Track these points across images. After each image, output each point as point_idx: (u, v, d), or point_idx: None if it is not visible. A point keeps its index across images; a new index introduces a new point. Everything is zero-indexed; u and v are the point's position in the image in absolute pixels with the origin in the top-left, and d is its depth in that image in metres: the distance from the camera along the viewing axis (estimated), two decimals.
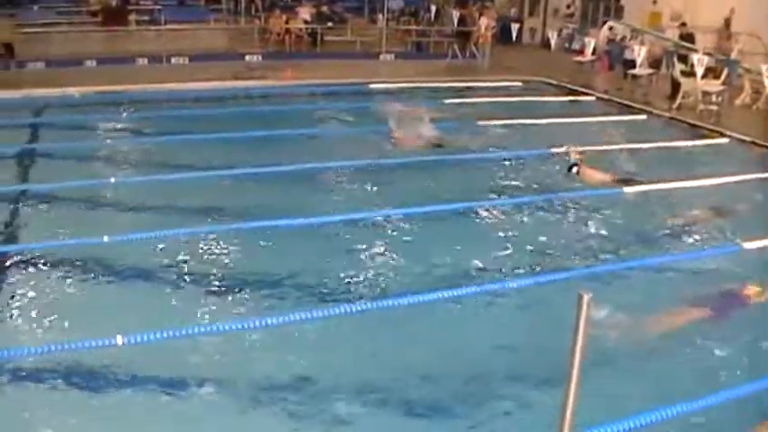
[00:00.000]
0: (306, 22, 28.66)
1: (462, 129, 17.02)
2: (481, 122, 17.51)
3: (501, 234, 10.78)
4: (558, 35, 27.84)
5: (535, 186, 12.84)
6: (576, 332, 3.99)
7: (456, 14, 28.57)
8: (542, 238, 10.52)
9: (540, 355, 7.54)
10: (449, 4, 31.50)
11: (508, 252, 10.19)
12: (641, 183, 12.89)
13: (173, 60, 25.14)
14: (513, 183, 13.09)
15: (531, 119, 17.91)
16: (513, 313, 8.76)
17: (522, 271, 9.66)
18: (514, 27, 29.41)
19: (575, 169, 12.76)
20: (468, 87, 22.14)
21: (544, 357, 7.44)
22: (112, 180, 12.93)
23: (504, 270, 9.71)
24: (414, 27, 30.01)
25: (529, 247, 10.33)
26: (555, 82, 22.79)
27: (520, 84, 22.69)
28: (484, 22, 25.89)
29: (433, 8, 30.85)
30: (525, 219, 11.35)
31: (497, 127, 17.19)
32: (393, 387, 7.18)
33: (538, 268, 9.75)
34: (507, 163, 14.30)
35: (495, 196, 12.31)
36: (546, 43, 29.10)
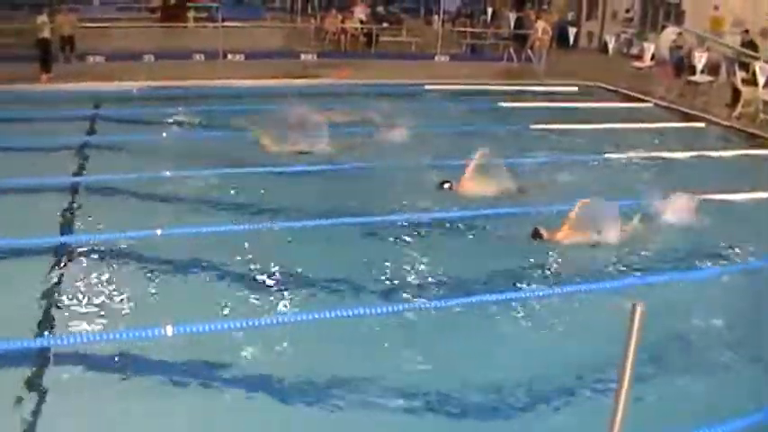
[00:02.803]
0: (361, 22, 28.74)
1: (516, 133, 16.92)
2: (535, 127, 17.38)
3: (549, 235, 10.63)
4: (617, 40, 27.58)
5: (590, 192, 12.62)
6: (628, 342, 3.95)
7: (513, 17, 28.44)
8: (596, 243, 10.35)
9: (591, 363, 7.45)
10: (505, 7, 31.38)
11: (557, 257, 10.06)
12: (527, 192, 12.51)
13: (229, 57, 25.37)
14: (566, 188, 12.91)
15: (587, 124, 17.72)
16: (565, 319, 8.64)
17: (576, 278, 9.52)
18: (572, 31, 29.26)
19: (446, 185, 12.41)
20: (522, 91, 21.98)
21: (595, 366, 7.38)
22: (167, 174, 13.05)
23: (553, 276, 9.60)
24: (469, 29, 29.92)
25: (583, 253, 10.17)
26: (612, 87, 22.52)
27: (576, 88, 22.47)
28: (541, 25, 25.69)
29: (490, 10, 30.75)
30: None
31: (551, 132, 17.03)
32: (442, 390, 7.13)
33: (592, 275, 9.60)
34: (560, 168, 14.14)
35: (548, 201, 12.15)
36: (604, 48, 28.87)
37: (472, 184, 12.31)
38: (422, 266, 9.77)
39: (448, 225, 11.25)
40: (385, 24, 29.44)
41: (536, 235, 10.34)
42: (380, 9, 30.51)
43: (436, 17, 29.26)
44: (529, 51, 26.16)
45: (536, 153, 15.12)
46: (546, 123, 17.56)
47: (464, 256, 10.21)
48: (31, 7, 26.76)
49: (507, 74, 24.90)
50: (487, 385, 7.20)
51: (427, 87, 21.87)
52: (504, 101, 20.38)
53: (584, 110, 19.75)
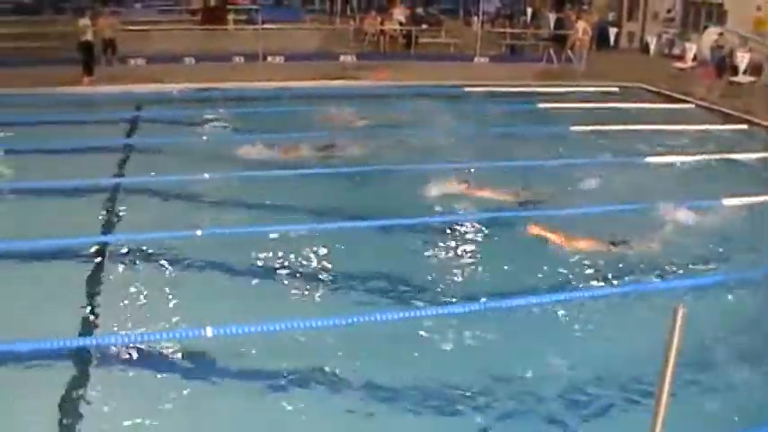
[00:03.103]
0: (400, 23, 28.72)
1: (556, 135, 16.81)
2: (575, 128, 17.25)
3: (592, 240, 10.50)
4: (658, 40, 27.28)
5: (630, 194, 12.48)
6: (670, 345, 3.91)
7: (553, 17, 28.25)
8: (637, 247, 10.21)
9: (631, 366, 7.37)
10: (545, 7, 31.17)
11: (599, 259, 9.95)
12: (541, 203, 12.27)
13: (268, 59, 25.48)
14: (607, 190, 12.80)
15: (627, 125, 17.54)
16: (605, 322, 8.55)
17: (618, 279, 9.42)
18: (612, 31, 28.99)
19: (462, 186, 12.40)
20: (562, 92, 21.81)
21: (635, 369, 7.30)
22: (206, 176, 13.13)
23: (596, 277, 9.50)
24: (509, 30, 29.78)
25: (624, 255, 10.04)
26: (653, 88, 22.26)
27: (616, 89, 22.24)
28: (581, 25, 25.47)
29: (529, 11, 30.57)
30: (617, 225, 10.98)
31: (591, 133, 16.89)
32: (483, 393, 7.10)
33: (633, 277, 9.50)
34: (599, 170, 14.01)
35: (587, 202, 12.04)
36: (645, 48, 28.58)
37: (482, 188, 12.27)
38: (461, 269, 9.72)
39: (478, 227, 11.18)
40: (424, 26, 29.37)
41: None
42: (419, 10, 30.45)
43: (475, 18, 29.14)
44: (569, 52, 25.93)
45: (576, 155, 14.98)
46: (586, 125, 17.41)
47: (497, 259, 10.12)
48: (73, 11, 27.12)
49: (547, 75, 24.74)
50: (525, 387, 7.15)
51: (466, 89, 21.78)
52: (544, 102, 20.25)
53: (625, 111, 19.53)
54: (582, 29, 25.34)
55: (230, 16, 30.59)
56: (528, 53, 28.64)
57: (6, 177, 13.47)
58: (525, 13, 31.12)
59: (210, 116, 17.86)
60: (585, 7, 29.30)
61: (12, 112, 17.90)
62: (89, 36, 22.01)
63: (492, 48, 28.13)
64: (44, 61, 23.55)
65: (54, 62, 23.23)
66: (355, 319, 8.14)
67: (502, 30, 29.85)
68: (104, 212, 11.61)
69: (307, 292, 9.02)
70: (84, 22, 22.03)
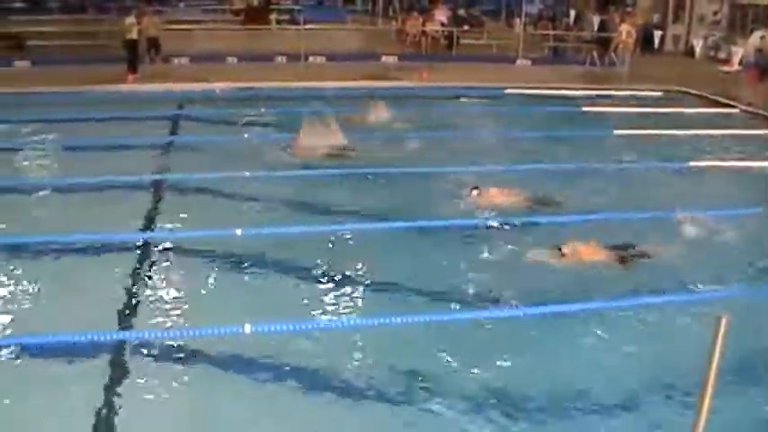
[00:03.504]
0: (442, 24, 28.68)
1: (598, 138, 16.68)
2: (618, 132, 17.10)
3: (634, 246, 10.35)
4: (704, 43, 26.93)
5: (671, 201, 12.31)
6: (712, 354, 3.89)
7: (596, 19, 28.02)
8: (682, 256, 10.06)
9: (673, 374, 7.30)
10: (589, 9, 30.92)
11: (640, 267, 9.81)
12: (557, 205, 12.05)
13: (310, 59, 25.58)
14: (650, 195, 12.66)
15: (670, 130, 17.34)
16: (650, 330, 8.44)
17: (663, 287, 9.29)
18: (657, 34, 28.67)
19: (474, 192, 12.02)
20: (605, 95, 21.62)
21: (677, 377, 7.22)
22: (247, 174, 13.20)
23: (642, 285, 9.38)
24: (551, 32, 29.60)
25: (668, 264, 9.90)
26: (697, 92, 21.97)
27: (660, 93, 21.98)
28: (625, 28, 25.21)
29: (573, 12, 30.36)
30: (662, 233, 10.82)
31: (634, 137, 16.72)
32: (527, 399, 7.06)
33: (678, 286, 9.38)
34: (642, 175, 13.87)
35: (630, 208, 11.88)
36: (690, 52, 28.24)
37: (498, 192, 12.08)
38: (500, 273, 9.65)
39: (516, 230, 11.09)
40: (466, 27, 29.30)
41: (558, 251, 9.86)
42: (461, 11, 30.37)
43: (518, 19, 29.01)
44: (612, 55, 25.71)
45: (619, 159, 14.84)
46: (629, 129, 17.24)
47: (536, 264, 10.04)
48: (118, 10, 27.46)
49: (590, 78, 24.53)
50: (560, 395, 7.08)
51: (508, 91, 21.69)
52: (587, 105, 20.10)
53: (668, 115, 19.33)
54: (626, 31, 25.08)
55: (273, 16, 30.77)
56: (571, 55, 28.47)
57: (52, 173, 13.65)
58: (568, 15, 30.94)
59: (252, 115, 17.94)
60: (630, 9, 28.97)
61: (58, 109, 18.19)
62: (134, 34, 22.27)
63: (534, 50, 27.98)
64: (89, 59, 23.85)
65: (99, 60, 23.54)
66: (394, 320, 8.16)
67: (544, 31, 29.68)
68: (146, 209, 11.72)
69: (346, 293, 9.02)
70: (130, 20, 22.30)
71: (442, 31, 28.45)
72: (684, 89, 22.30)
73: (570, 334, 8.18)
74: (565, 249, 9.76)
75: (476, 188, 12.01)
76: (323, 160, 14.15)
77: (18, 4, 32.23)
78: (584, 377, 7.35)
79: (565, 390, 7.13)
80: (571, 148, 15.49)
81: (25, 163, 14.28)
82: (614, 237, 10.30)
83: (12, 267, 9.52)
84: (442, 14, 29.03)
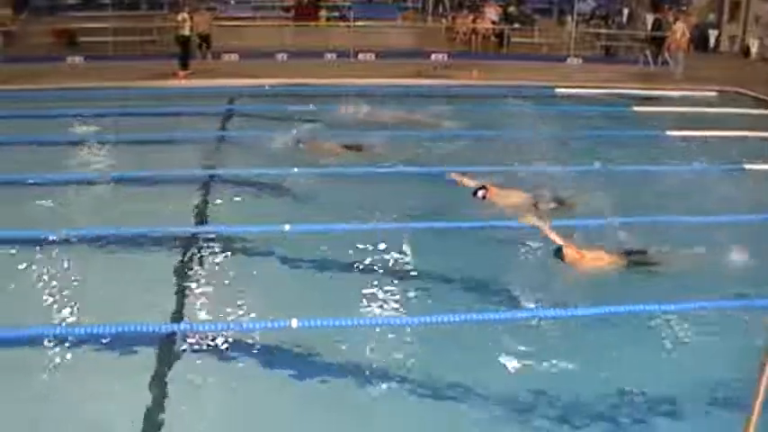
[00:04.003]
0: (493, 22, 28.49)
1: (651, 140, 16.41)
2: (671, 133, 16.82)
3: (686, 252, 10.11)
4: (759, 43, 26.41)
5: (726, 205, 12.03)
6: (766, 358, 3.78)
7: (650, 18, 27.59)
8: (733, 260, 9.81)
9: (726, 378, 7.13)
10: (642, 8, 30.46)
11: (696, 272, 9.56)
12: (571, 205, 11.73)
13: (360, 56, 25.58)
14: (702, 199, 12.39)
15: (725, 131, 16.99)
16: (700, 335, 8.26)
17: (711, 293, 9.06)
18: (712, 34, 28.19)
19: (480, 193, 11.64)
20: (658, 96, 21.30)
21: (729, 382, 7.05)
22: (295, 170, 13.20)
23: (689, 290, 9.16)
24: (604, 30, 29.24)
25: (716, 269, 9.64)
26: (752, 93, 21.53)
27: (714, 94, 21.57)
28: (679, 27, 24.76)
29: (626, 11, 29.94)
30: (711, 237, 10.53)
31: (687, 139, 16.42)
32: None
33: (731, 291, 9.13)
34: (694, 177, 13.59)
35: (682, 211, 11.63)
36: (746, 52, 27.69)
37: (505, 193, 11.79)
38: (550, 275, 9.50)
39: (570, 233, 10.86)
40: (516, 25, 29.07)
41: (558, 255, 9.57)
42: (512, 9, 30.12)
43: (569, 18, 28.70)
44: (666, 54, 25.30)
45: (671, 161, 14.57)
46: (682, 130, 16.94)
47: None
48: (170, 6, 27.71)
49: (643, 77, 24.17)
50: (606, 398, 6.95)
51: (558, 90, 21.47)
52: (639, 105, 19.81)
53: (722, 116, 18.95)
54: (680, 30, 24.65)
55: (323, 13, 30.77)
56: (623, 55, 28.09)
57: (104, 168, 13.80)
58: (621, 14, 30.50)
59: (301, 112, 17.96)
60: (685, 8, 28.49)
61: (110, 105, 18.40)
62: (186, 31, 22.44)
63: (586, 48, 27.68)
64: (141, 56, 24.14)
65: (150, 56, 23.80)
66: (439, 319, 8.11)
67: (596, 30, 29.33)
68: (196, 203, 11.81)
69: (392, 290, 8.96)
70: (183, 16, 22.47)
71: (493, 30, 28.25)
72: (739, 90, 21.87)
73: (616, 335, 8.05)
74: (567, 252, 9.51)
75: (482, 188, 11.75)
76: (336, 157, 14.13)
77: (71, 1, 32.64)
78: (633, 379, 7.21)
79: (609, 392, 7.02)
80: (621, 150, 15.24)
81: (78, 157, 14.46)
82: (671, 239, 10.07)
83: (65, 259, 9.64)
84: (492, 12, 28.82)
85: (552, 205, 11.57)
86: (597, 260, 9.51)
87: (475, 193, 11.62)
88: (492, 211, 11.34)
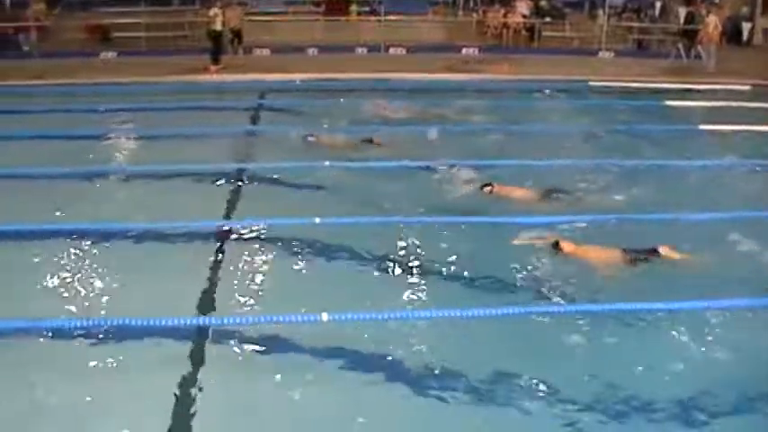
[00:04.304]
0: (524, 16, 28.39)
1: (682, 134, 16.28)
2: (704, 127, 16.67)
3: (723, 248, 9.96)
4: None
5: (758, 201, 11.87)
6: None
7: (683, 12, 27.35)
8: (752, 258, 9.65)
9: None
10: (675, 1, 30.17)
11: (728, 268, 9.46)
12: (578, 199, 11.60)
13: (390, 51, 25.58)
14: (733, 194, 12.27)
15: (758, 125, 16.79)
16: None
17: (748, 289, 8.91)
18: (745, 26, 27.87)
19: (487, 188, 11.60)
20: (691, 89, 21.11)
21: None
22: (327, 164, 13.24)
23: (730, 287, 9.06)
24: (636, 24, 29.02)
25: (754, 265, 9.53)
26: None
27: (748, 88, 21.35)
28: (712, 19, 24.52)
29: (658, 4, 29.67)
30: (741, 235, 10.40)
31: (720, 133, 16.27)
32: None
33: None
34: (727, 172, 13.46)
35: (713, 206, 11.49)
36: None
37: (511, 188, 11.74)
38: (585, 270, 9.43)
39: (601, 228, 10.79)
40: (548, 19, 28.93)
41: (556, 247, 9.47)
42: (543, 3, 29.96)
43: (601, 11, 28.51)
44: (699, 48, 25.06)
45: (703, 156, 14.42)
46: (715, 124, 16.79)
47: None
48: (201, 1, 27.89)
49: (675, 71, 23.96)
50: (634, 398, 6.88)
51: (590, 84, 21.36)
52: (671, 99, 19.65)
53: (755, 111, 18.73)
54: (712, 23, 24.41)
55: (353, 7, 30.80)
56: (655, 48, 27.86)
57: (137, 161, 13.93)
58: (654, 7, 30.22)
59: (332, 106, 18.01)
60: (717, 1, 28.18)
61: (142, 99, 18.57)
62: (218, 26, 22.58)
63: (618, 42, 27.49)
64: (173, 50, 24.32)
65: (182, 51, 23.97)
66: (469, 313, 8.09)
67: (628, 24, 29.11)
68: (227, 197, 11.87)
69: (423, 283, 8.96)
70: (215, 11, 22.61)
71: (524, 23, 28.16)
72: None
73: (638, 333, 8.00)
74: (564, 245, 9.45)
75: (488, 185, 11.70)
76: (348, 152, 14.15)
77: None
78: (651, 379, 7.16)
79: (631, 391, 6.96)
80: (652, 144, 15.14)
81: (110, 151, 14.62)
82: (702, 236, 9.96)
83: (97, 252, 9.75)
84: (523, 6, 28.72)
85: (560, 199, 11.54)
86: (595, 254, 9.41)
87: (482, 188, 11.65)
88: (500, 205, 11.31)
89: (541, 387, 6.92)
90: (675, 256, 9.30)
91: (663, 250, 9.30)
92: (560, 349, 7.56)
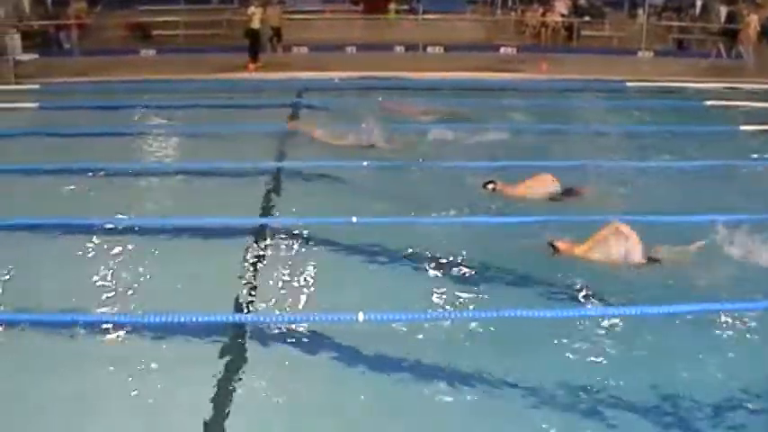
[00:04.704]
0: (562, 15, 28.23)
1: (723, 135, 16.08)
2: (744, 128, 16.46)
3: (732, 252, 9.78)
4: None
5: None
6: None
7: (724, 10, 27.03)
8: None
9: None
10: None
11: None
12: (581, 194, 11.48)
13: (428, 50, 25.56)
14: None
15: None
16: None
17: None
18: None
19: (490, 186, 11.45)
20: (732, 89, 20.84)
21: None
22: (365, 163, 13.25)
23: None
24: (676, 23, 28.73)
25: None
26: None
27: None
28: (753, 19, 24.23)
29: (699, 3, 29.37)
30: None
31: (762, 134, 16.04)
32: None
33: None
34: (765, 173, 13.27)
35: (753, 207, 11.31)
36: None
37: (518, 186, 11.55)
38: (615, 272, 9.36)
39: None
40: (587, 18, 28.74)
41: (551, 247, 9.36)
42: (582, 2, 29.78)
43: (641, 10, 28.27)
44: (740, 47, 24.75)
45: (743, 156, 14.21)
46: (757, 125, 16.55)
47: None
48: (240, 0, 28.10)
49: (715, 71, 23.70)
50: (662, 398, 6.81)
51: (629, 84, 21.17)
52: (712, 99, 19.42)
53: None
54: (753, 23, 24.10)
55: (391, 6, 30.85)
56: (696, 48, 27.56)
57: (175, 158, 14.05)
58: (694, 6, 29.91)
59: (370, 105, 18.00)
60: (759, 0, 27.81)
61: (181, 96, 18.74)
62: (256, 24, 22.71)
63: (657, 41, 27.23)
64: (212, 48, 24.51)
65: (221, 49, 24.14)
66: (505, 314, 8.04)
67: (668, 23, 28.83)
68: (265, 195, 11.93)
69: (460, 284, 8.91)
70: (253, 9, 22.74)
71: (562, 22, 27.99)
72: None
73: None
74: (558, 244, 9.36)
75: (490, 182, 11.58)
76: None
77: None
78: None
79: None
80: (693, 145, 14.95)
81: (149, 148, 14.77)
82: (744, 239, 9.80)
83: (134, 248, 9.84)
84: (562, 5, 28.56)
85: (566, 197, 11.42)
86: (590, 253, 9.28)
87: (485, 186, 11.55)
88: (503, 203, 11.23)
89: (583, 389, 6.86)
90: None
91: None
92: (590, 350, 7.52)
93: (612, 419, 6.51)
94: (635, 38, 27.05)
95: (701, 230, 9.63)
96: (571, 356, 7.44)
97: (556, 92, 20.40)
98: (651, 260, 9.20)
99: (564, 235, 9.62)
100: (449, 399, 6.83)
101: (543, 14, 28.18)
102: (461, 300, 8.59)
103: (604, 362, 7.36)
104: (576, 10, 28.93)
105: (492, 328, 7.96)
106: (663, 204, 11.34)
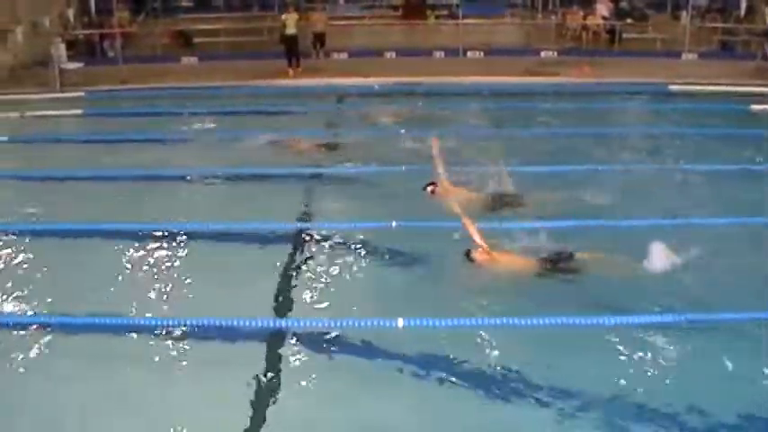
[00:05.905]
0: (604, 18, 27.97)
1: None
2: None
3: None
4: None
5: None
6: None
7: None
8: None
9: None
10: (762, 0, 29.41)
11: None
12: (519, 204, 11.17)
13: (468, 54, 25.50)
14: None
15: None
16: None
17: None
18: None
19: (429, 188, 11.19)
20: None
21: None
22: (403, 168, 13.23)
23: None
24: (720, 25, 28.34)
25: None
26: None
27: None
28: None
29: (744, 4, 28.94)
30: None
31: None
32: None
33: None
34: None
35: None
36: None
37: (456, 190, 11.24)
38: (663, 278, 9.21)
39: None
40: (629, 20, 28.48)
41: (468, 257, 9.13)
42: (624, 4, 29.51)
43: (684, 12, 27.92)
44: None
45: None
46: None
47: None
48: (280, 7, 28.30)
49: (761, 74, 23.30)
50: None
51: (672, 87, 20.92)
52: (757, 103, 19.10)
53: None
54: None
55: (431, 11, 30.84)
56: (741, 50, 27.17)
57: (215, 163, 14.15)
58: (739, 7, 29.49)
59: (410, 110, 18.00)
60: None
61: (222, 102, 18.91)
62: (291, 30, 22.79)
63: (702, 44, 26.87)
64: (253, 55, 24.70)
65: (262, 56, 24.32)
66: (548, 321, 7.99)
67: (713, 24, 28.45)
68: (304, 200, 12.00)
69: (501, 290, 8.83)
70: (285, 16, 22.87)
71: (604, 25, 27.75)
72: None
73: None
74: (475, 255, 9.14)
75: (431, 184, 11.37)
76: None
77: (186, 3, 33.81)
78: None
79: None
80: (738, 149, 14.71)
81: (191, 153, 14.91)
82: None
83: (172, 252, 9.94)
84: (603, 8, 28.29)
85: (508, 205, 11.23)
86: (510, 263, 9.19)
87: (424, 189, 11.35)
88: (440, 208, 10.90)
89: (621, 397, 6.80)
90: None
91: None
92: (626, 360, 7.42)
93: None
94: (678, 40, 26.71)
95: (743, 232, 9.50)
96: (620, 364, 7.35)
97: (597, 95, 20.22)
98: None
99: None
100: (488, 405, 6.79)
101: (584, 17, 27.94)
102: (502, 306, 8.48)
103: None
104: (619, 12, 28.67)
105: (537, 336, 7.90)
106: (705, 207, 11.20)
